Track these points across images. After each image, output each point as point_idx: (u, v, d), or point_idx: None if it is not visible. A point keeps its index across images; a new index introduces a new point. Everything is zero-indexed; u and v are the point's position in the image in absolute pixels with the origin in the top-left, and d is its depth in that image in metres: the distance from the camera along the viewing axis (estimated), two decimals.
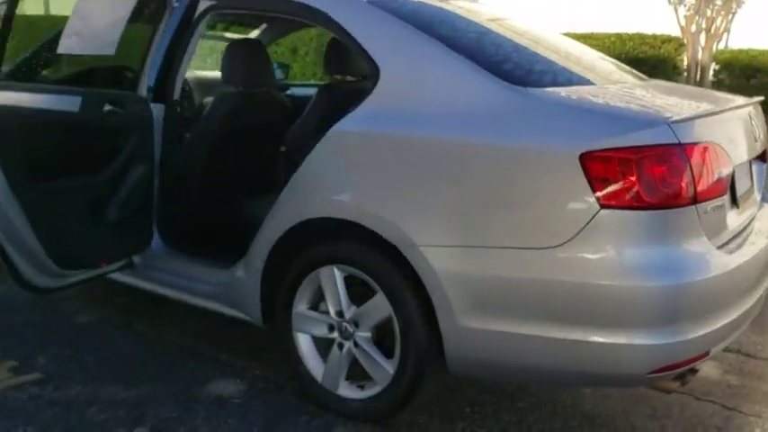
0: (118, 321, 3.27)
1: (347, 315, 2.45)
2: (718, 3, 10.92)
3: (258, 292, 2.63)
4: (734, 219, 2.33)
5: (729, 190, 2.30)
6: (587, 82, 2.50)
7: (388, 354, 2.40)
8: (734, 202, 2.36)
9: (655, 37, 10.82)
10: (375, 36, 2.46)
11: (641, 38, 10.86)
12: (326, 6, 2.57)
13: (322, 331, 2.53)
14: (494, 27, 2.82)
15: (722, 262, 2.13)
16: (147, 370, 2.83)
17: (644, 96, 2.39)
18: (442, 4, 2.88)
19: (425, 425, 2.52)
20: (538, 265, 2.07)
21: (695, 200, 2.04)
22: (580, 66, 2.74)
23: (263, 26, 4.28)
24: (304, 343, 2.58)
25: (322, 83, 3.79)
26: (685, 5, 11.29)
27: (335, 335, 2.49)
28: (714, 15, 10.97)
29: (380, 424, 2.49)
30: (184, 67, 2.95)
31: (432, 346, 2.28)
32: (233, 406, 2.59)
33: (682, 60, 10.94)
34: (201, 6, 2.91)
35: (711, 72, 10.93)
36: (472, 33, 2.63)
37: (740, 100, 2.64)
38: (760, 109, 2.75)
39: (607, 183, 1.99)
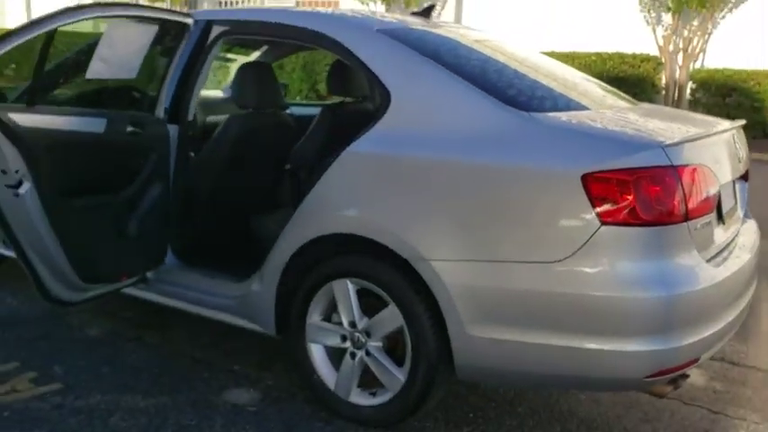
0: (129, 334, 3.38)
1: (359, 326, 2.59)
2: (695, 23, 11.25)
3: (273, 305, 2.75)
4: (720, 234, 2.51)
5: (716, 208, 2.49)
6: (584, 107, 2.68)
7: (399, 362, 2.54)
8: (720, 218, 2.54)
9: (634, 56, 11.13)
10: (385, 63, 2.62)
11: (621, 57, 11.17)
12: (338, 34, 2.73)
13: (335, 341, 2.66)
14: (494, 53, 2.99)
15: (711, 275, 2.30)
16: (163, 380, 2.94)
17: (637, 121, 2.57)
18: (444, 32, 3.05)
19: (432, 430, 2.66)
20: (543, 278, 2.23)
21: (687, 217, 2.22)
22: (576, 91, 2.92)
23: (265, 48, 4.43)
24: (317, 353, 2.71)
25: (319, 102, 3.93)
26: (663, 26, 11.60)
27: (348, 344, 2.63)
28: (691, 35, 11.29)
29: (391, 429, 2.62)
30: (198, 90, 3.08)
31: (441, 354, 2.42)
32: (249, 414, 2.71)
33: (660, 79, 11.26)
34: (215, 32, 3.06)
35: (689, 91, 11.25)
36: (476, 60, 2.80)
37: (725, 123, 2.84)
38: (742, 132, 2.95)
39: (606, 201, 2.16)
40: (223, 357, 3.16)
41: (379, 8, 13.49)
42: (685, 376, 2.45)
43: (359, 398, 2.64)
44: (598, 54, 11.33)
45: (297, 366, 2.79)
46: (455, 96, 2.46)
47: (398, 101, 2.52)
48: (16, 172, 2.34)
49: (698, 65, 11.45)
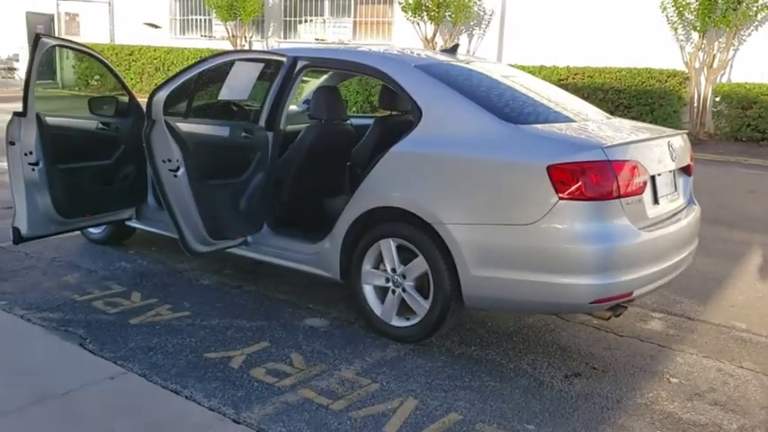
0: (232, 284, 4.60)
1: (398, 271, 3.73)
2: (721, 40, 12.03)
3: (338, 258, 3.93)
4: (654, 211, 3.57)
5: (652, 192, 3.55)
6: (562, 120, 3.77)
7: (425, 296, 3.67)
8: (655, 200, 3.60)
9: (661, 71, 12.00)
10: (419, 89, 3.77)
11: (649, 72, 12.05)
12: (388, 69, 3.91)
13: (381, 282, 3.82)
14: (499, 80, 4.12)
15: (638, 236, 3.36)
16: (260, 312, 4.15)
17: (593, 130, 3.66)
18: (466, 65, 4.19)
19: (449, 347, 3.79)
20: (521, 235, 3.33)
21: (619, 196, 3.29)
22: (559, 107, 4.02)
23: (331, 72, 5.63)
24: (369, 291, 3.87)
25: (372, 114, 5.09)
26: (690, 43, 12.41)
27: (390, 285, 3.78)
28: (715, 52, 12.07)
29: (420, 344, 3.76)
30: (287, 106, 4.29)
31: (453, 289, 3.54)
32: (321, 332, 3.89)
33: (687, 93, 12.08)
34: (299, 65, 4.26)
35: (712, 103, 12.03)
36: (483, 86, 3.93)
37: (668, 131, 3.90)
38: (683, 136, 4.00)
39: (563, 184, 3.24)
40: (301, 299, 4.36)
41: (429, 28, 14.66)
42: (623, 307, 3.52)
43: (397, 322, 3.78)
44: (628, 69, 12.23)
45: (355, 301, 3.95)
46: (465, 113, 3.60)
47: (427, 116, 3.67)
48: (177, 161, 3.58)
49: (723, 79, 12.22)
